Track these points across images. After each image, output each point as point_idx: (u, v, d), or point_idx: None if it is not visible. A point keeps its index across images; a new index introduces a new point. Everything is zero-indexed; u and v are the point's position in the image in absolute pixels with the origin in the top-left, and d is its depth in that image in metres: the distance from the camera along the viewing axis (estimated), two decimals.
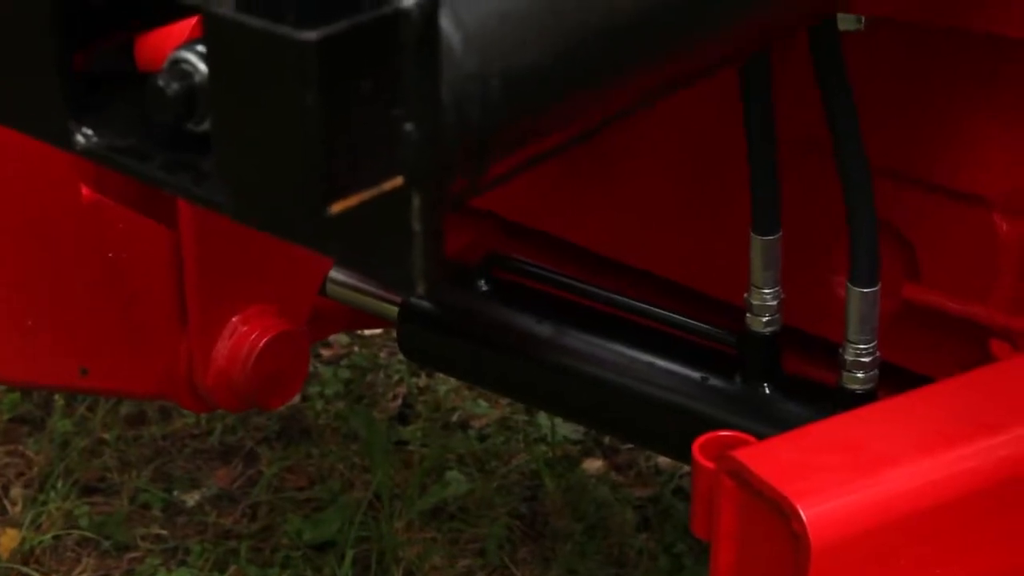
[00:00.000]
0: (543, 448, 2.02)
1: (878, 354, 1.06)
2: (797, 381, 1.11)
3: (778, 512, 0.83)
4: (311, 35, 0.50)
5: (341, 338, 2.33)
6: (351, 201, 0.53)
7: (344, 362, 2.28)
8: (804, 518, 0.81)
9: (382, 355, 2.28)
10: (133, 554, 1.87)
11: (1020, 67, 1.12)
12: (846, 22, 1.09)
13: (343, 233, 0.55)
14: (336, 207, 0.53)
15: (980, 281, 1.18)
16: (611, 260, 1.39)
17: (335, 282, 1.35)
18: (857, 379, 1.06)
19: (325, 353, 2.32)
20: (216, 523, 1.91)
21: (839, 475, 0.84)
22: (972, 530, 0.87)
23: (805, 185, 1.11)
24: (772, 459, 0.86)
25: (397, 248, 0.55)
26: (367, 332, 2.29)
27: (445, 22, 0.55)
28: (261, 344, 1.12)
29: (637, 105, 0.69)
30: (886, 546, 0.84)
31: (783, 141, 1.16)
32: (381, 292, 1.29)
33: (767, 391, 1.11)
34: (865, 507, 0.84)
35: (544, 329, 1.20)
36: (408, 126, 0.53)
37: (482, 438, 2.07)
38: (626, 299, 1.20)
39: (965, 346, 1.20)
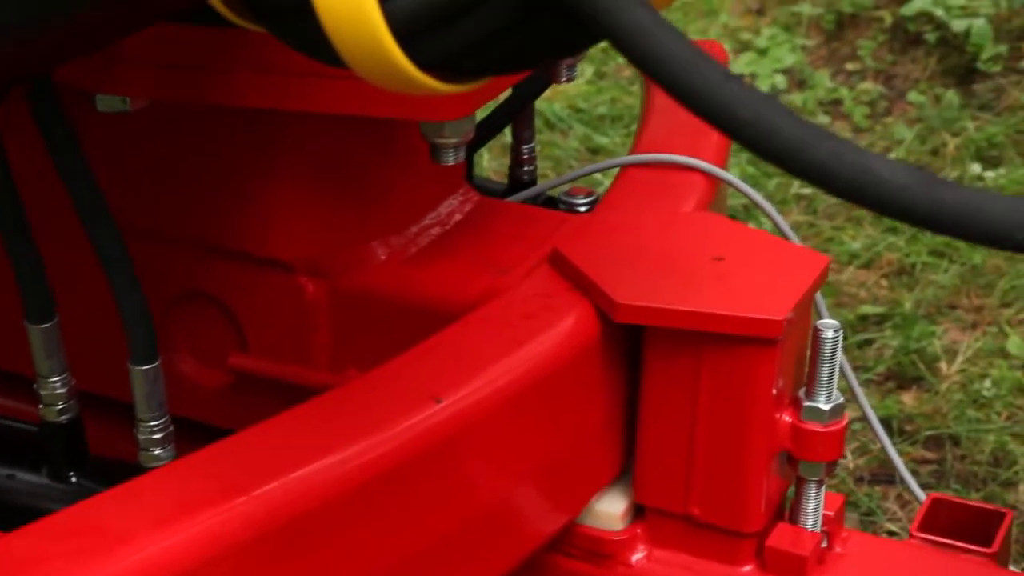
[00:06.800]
0: None
1: (172, 428, 1.07)
2: (102, 464, 1.10)
3: None
4: None
5: None
6: None
7: None
8: None
9: None
10: None
11: (294, 135, 1.17)
12: (110, 103, 1.09)
13: None
14: None
15: (298, 343, 1.22)
16: None
17: None
18: (154, 456, 1.06)
19: None
20: None
21: (72, 563, 0.83)
22: None
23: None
24: (2, 556, 0.84)
25: None
26: None
27: None
28: None
29: None
30: None
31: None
32: None
33: (73, 479, 1.09)
34: None
35: None
36: None
37: None
38: None
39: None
